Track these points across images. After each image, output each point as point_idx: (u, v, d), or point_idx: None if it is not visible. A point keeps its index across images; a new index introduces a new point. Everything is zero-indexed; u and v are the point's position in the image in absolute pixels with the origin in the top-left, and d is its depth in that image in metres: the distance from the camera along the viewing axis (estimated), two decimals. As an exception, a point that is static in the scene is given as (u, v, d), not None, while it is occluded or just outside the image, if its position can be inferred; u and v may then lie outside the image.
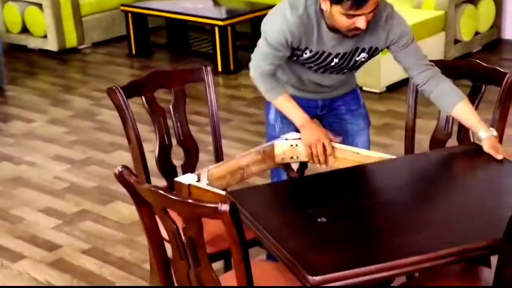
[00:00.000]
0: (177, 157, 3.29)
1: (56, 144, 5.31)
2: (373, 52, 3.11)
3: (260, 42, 3.10)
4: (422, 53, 3.09)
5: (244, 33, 7.02)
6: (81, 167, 4.90)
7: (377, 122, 5.26)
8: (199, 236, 2.24)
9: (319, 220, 2.41)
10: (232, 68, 6.70)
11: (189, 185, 2.80)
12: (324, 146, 3.01)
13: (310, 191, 2.73)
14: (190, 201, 2.23)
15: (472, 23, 6.54)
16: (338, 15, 2.83)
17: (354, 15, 2.80)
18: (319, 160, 3.03)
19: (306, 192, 2.73)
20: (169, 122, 3.22)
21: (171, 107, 3.24)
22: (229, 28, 6.57)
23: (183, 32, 7.49)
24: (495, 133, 2.89)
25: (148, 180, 3.14)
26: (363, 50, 3.08)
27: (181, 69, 3.42)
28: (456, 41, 6.48)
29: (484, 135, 2.85)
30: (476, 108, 3.05)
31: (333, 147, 3.04)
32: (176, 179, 2.88)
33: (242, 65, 6.70)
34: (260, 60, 3.11)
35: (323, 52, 3.05)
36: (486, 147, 2.83)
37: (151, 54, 7.31)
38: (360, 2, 2.76)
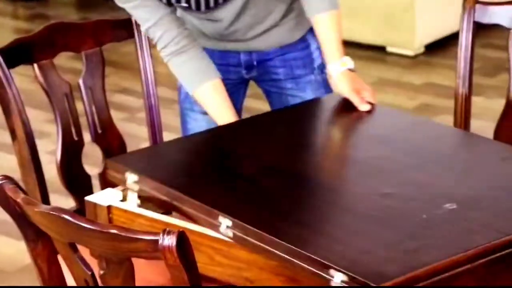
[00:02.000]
0: (93, 162, 3.27)
1: None
2: None
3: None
4: None
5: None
6: None
7: (409, 102, 5.29)
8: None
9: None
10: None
11: (109, 206, 2.82)
12: None
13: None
14: (113, 231, 2.21)
15: None
16: None
17: None
18: None
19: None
20: (79, 106, 3.23)
21: (81, 82, 3.25)
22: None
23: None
24: (351, 64, 3.30)
25: (46, 199, 3.15)
26: None
27: (96, 20, 3.39)
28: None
29: (335, 69, 3.28)
30: None
31: None
32: (87, 197, 2.88)
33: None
34: (143, 22, 3.35)
35: None
36: (345, 90, 3.25)
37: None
38: None
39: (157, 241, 2.08)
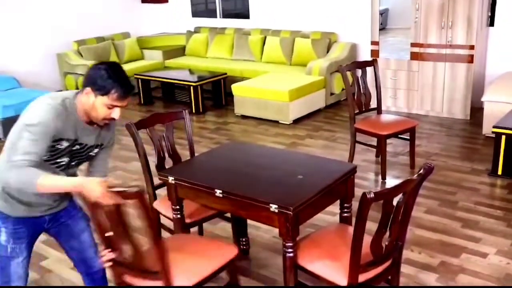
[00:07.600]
0: (169, 164, 3.20)
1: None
2: (99, 148, 2.27)
3: (20, 138, 1.96)
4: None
5: (208, 89, 6.97)
6: (112, 171, 4.75)
7: (287, 140, 5.24)
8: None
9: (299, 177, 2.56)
10: (201, 110, 6.61)
11: (175, 181, 2.74)
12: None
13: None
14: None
15: (340, 83, 6.61)
16: (101, 106, 2.07)
17: (114, 106, 2.09)
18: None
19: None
20: (163, 143, 3.15)
21: (164, 135, 3.16)
22: (199, 86, 6.49)
23: (172, 89, 7.39)
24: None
25: (151, 179, 3.05)
26: (98, 146, 2.26)
27: (170, 111, 3.33)
28: (332, 94, 6.54)
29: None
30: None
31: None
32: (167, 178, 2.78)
33: (207, 109, 6.66)
34: (22, 154, 1.95)
35: (76, 140, 2.13)
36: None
37: (152, 103, 7.16)
38: (125, 95, 2.09)
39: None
